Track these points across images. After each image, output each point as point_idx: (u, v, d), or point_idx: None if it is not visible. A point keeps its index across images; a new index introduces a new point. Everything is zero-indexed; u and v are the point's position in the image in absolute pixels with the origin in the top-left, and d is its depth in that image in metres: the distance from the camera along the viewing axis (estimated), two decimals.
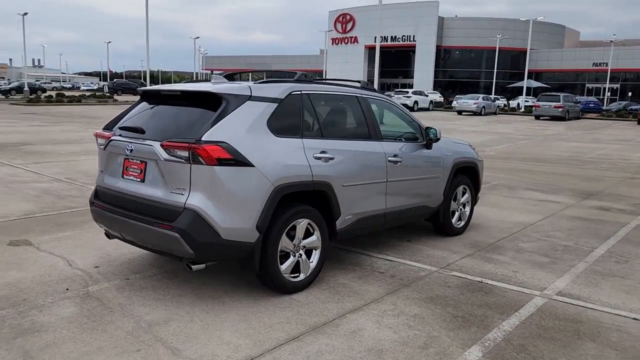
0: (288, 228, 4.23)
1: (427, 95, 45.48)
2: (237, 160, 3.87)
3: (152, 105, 4.53)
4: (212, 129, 3.86)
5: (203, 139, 3.80)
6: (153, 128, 4.21)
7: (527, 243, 6.09)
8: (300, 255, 4.38)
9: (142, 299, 4.17)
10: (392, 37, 65.66)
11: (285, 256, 4.28)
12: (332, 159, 4.54)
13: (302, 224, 4.33)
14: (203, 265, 4.02)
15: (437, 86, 64.05)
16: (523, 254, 5.68)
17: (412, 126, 5.73)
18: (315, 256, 4.52)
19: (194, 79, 74.30)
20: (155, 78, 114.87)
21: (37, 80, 60.57)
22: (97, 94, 50.08)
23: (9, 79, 71.06)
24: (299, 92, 4.54)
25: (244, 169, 3.91)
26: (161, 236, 3.88)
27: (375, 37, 63.46)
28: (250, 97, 4.17)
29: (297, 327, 3.74)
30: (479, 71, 66.31)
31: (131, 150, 4.18)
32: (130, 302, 4.10)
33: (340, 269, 5.00)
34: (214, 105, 4.07)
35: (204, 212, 3.80)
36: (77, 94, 49.65)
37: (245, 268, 4.18)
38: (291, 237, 4.29)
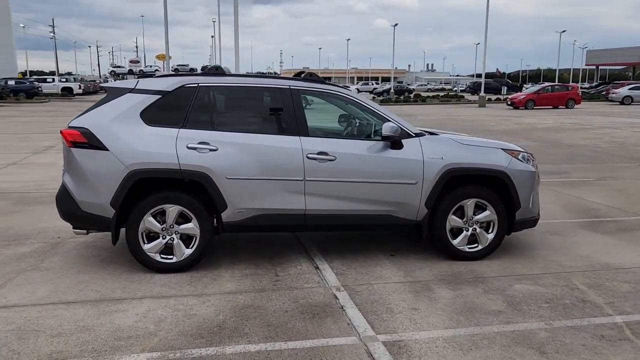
0: (153, 211, 4.58)
1: None
2: (91, 144, 4.51)
3: None
4: (81, 117, 4.63)
5: (69, 125, 4.60)
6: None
7: (534, 286, 4.45)
8: (173, 239, 4.64)
9: (74, 252, 5.25)
10: None
11: (154, 237, 4.64)
12: (216, 150, 4.59)
13: (172, 210, 4.60)
14: (84, 232, 4.82)
15: None
16: (490, 294, 4.28)
17: (375, 121, 4.95)
18: (195, 243, 4.68)
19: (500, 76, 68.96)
20: (534, 77, 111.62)
21: (399, 83, 66.54)
22: (449, 94, 49.67)
23: (407, 83, 78.78)
24: (195, 85, 4.74)
25: (98, 152, 4.51)
26: None
27: None
28: (131, 90, 4.70)
29: (93, 295, 4.19)
30: None
31: None
32: (62, 252, 5.24)
33: (252, 265, 4.93)
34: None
35: (67, 186, 4.61)
36: (441, 94, 50.44)
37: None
38: (161, 221, 4.61)
